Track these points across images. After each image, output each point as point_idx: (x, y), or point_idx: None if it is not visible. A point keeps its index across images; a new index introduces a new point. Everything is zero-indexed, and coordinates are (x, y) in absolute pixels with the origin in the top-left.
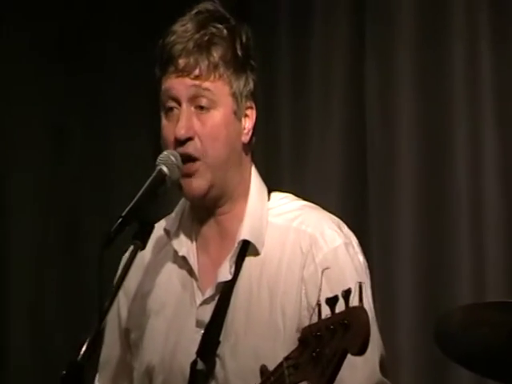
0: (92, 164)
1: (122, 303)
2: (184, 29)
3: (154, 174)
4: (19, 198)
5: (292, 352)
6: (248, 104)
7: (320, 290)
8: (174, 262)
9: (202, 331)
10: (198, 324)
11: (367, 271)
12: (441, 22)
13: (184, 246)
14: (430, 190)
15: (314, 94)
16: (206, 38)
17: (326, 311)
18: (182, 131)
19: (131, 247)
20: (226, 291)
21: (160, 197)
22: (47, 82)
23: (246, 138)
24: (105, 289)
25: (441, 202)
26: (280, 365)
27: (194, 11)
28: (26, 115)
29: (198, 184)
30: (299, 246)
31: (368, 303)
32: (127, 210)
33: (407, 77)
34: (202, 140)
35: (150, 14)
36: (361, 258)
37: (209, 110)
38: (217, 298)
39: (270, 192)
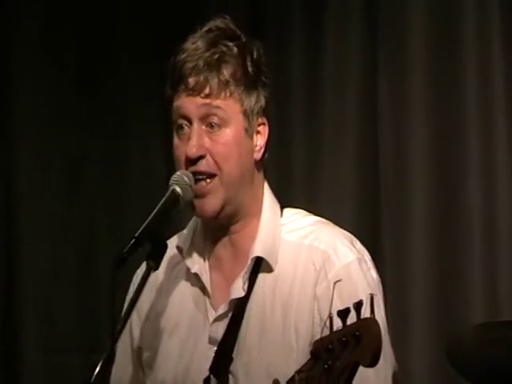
0: (107, 190)
1: (134, 323)
2: (194, 47)
3: (167, 195)
4: (33, 225)
5: (304, 365)
6: (260, 121)
7: (331, 303)
8: (187, 279)
9: (215, 348)
10: (211, 341)
11: (380, 287)
12: (453, 39)
13: (196, 263)
14: (443, 206)
15: (327, 110)
16: (216, 56)
17: (337, 324)
18: (193, 150)
19: (144, 266)
20: (239, 308)
21: (173, 217)
22: (62, 111)
23: (258, 155)
24: (117, 310)
25: (454, 219)
26: (292, 378)
27: (204, 29)
28: (41, 142)
29: (211, 203)
30: (312, 262)
31: (381, 317)
32: (140, 230)
33: (420, 95)
34: (214, 157)
35: (167, 43)
36: (374, 273)
37: (220, 128)
38: (230, 315)
39: (282, 208)
